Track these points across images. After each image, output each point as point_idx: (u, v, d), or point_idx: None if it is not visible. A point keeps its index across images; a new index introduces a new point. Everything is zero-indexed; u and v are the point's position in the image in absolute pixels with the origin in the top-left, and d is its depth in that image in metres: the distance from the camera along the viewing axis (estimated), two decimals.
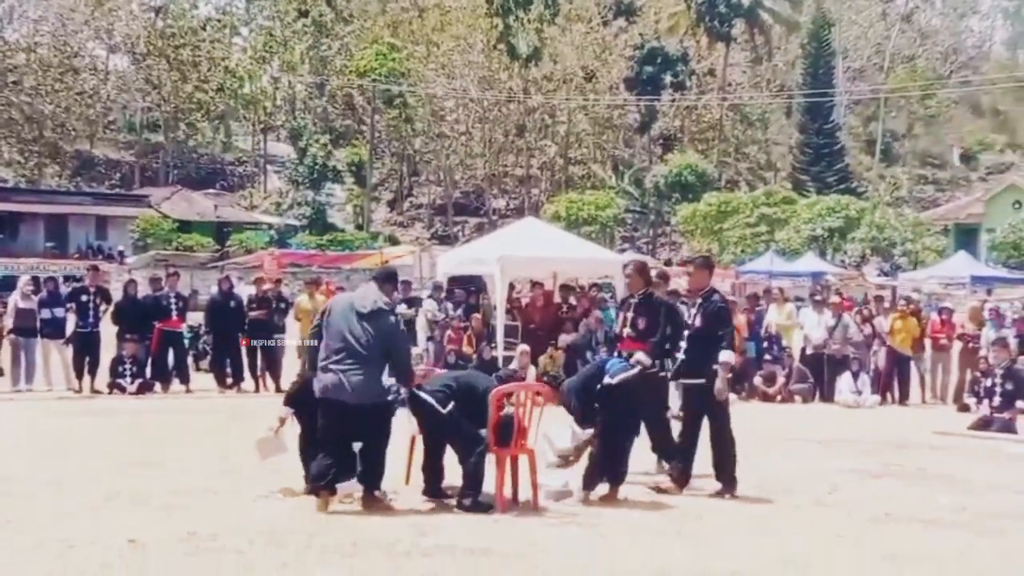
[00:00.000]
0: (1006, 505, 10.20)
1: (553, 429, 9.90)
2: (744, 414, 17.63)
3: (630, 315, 10.28)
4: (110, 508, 9.11)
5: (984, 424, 16.27)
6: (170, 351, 19.94)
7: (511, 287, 21.17)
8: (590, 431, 9.80)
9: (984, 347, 19.81)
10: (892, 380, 20.71)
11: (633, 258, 10.42)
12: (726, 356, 10.14)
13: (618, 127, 79.73)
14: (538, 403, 9.64)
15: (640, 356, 9.92)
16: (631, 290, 10.55)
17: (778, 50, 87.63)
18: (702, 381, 10.18)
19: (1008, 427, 16.12)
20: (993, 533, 8.89)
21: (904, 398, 20.56)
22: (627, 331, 10.22)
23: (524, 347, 18.77)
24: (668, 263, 62.37)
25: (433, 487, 9.61)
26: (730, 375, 10.72)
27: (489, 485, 9.22)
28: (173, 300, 20.19)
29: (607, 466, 9.81)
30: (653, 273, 11.30)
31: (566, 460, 9.85)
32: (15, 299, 19.83)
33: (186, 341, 21.04)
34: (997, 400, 16.63)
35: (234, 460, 11.59)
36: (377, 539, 8.04)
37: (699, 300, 10.55)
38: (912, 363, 20.95)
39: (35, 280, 21.16)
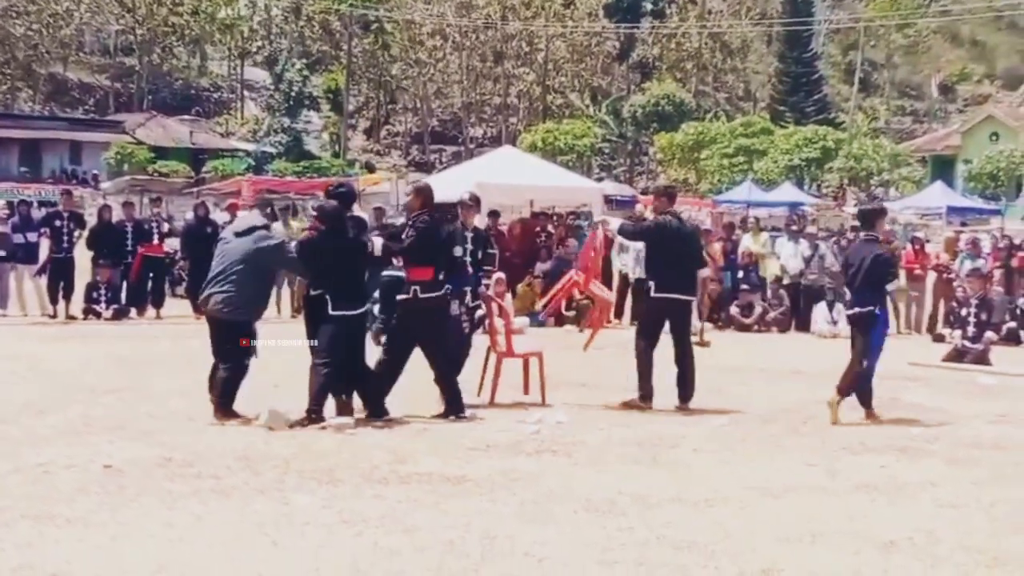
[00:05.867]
0: (978, 435, 10.28)
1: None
2: (720, 343, 17.71)
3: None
4: (86, 433, 9.11)
5: (958, 355, 16.35)
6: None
7: (494, 215, 21.07)
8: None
9: (957, 277, 19.91)
10: None
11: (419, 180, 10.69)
12: None
13: (596, 55, 79.11)
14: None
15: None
16: (409, 211, 10.52)
17: None
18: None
19: (981, 358, 16.22)
20: (965, 463, 8.96)
21: None
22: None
23: (499, 275, 18.76)
24: (644, 192, 62.37)
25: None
26: None
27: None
28: (155, 225, 20.11)
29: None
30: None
31: None
32: None
33: None
34: (971, 330, 16.71)
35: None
36: (354, 466, 8.07)
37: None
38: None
39: (9, 204, 21.01)
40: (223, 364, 9.70)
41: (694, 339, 11.61)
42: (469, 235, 11.23)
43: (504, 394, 11.16)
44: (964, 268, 19.84)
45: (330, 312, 9.59)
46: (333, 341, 9.58)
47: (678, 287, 11.11)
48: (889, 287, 11.07)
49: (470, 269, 11.08)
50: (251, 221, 10.04)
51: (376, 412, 9.82)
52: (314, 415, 9.53)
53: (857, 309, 10.88)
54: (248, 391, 9.98)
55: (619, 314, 19.71)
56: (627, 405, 10.95)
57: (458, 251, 10.86)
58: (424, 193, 10.46)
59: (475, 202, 11.56)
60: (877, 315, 10.80)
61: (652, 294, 11.10)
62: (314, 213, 10.62)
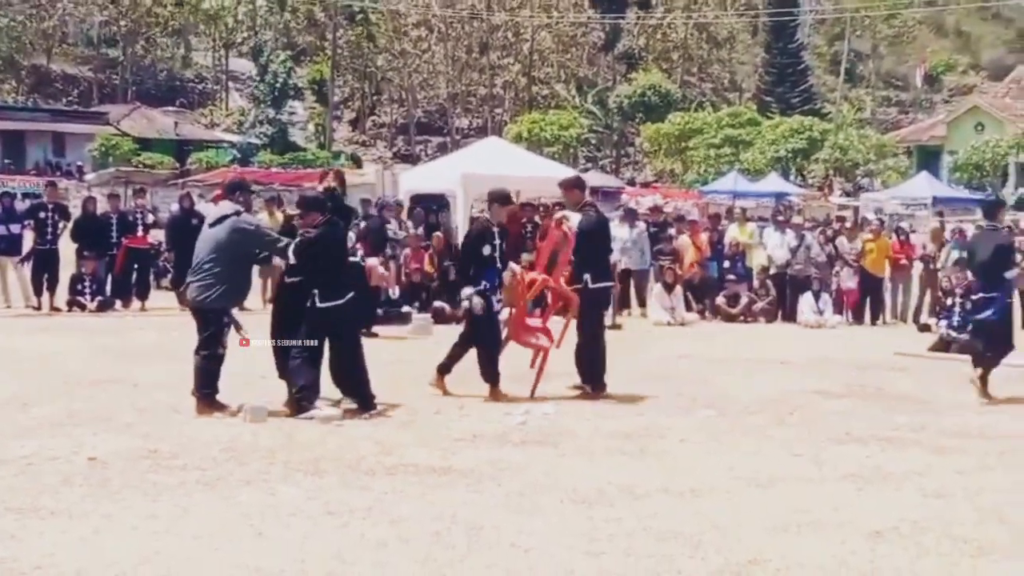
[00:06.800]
0: (964, 425, 10.30)
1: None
2: (706, 334, 17.74)
3: None
4: (71, 425, 9.06)
5: (944, 345, 16.37)
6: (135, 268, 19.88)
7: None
8: None
9: (943, 267, 19.96)
10: (864, 302, 20.82)
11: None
12: None
13: (582, 45, 79.06)
14: None
15: None
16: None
17: None
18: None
19: (967, 348, 16.23)
20: (950, 452, 8.97)
21: (875, 319, 20.70)
22: None
23: (514, 266, 18.72)
24: (631, 183, 62.41)
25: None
26: None
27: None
28: (140, 217, 20.07)
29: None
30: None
31: None
32: None
33: None
34: (956, 320, 16.73)
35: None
36: (340, 457, 8.05)
37: None
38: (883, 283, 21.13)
39: None
40: (199, 352, 9.71)
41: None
42: (496, 231, 11.17)
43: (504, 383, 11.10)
44: (950, 258, 19.87)
45: (317, 304, 9.59)
46: (313, 332, 9.66)
47: (607, 275, 11.86)
48: (1008, 274, 11.74)
49: (499, 266, 11.06)
50: (223, 210, 10.06)
51: (364, 404, 9.79)
52: (303, 400, 9.63)
53: (981, 295, 12.08)
54: (234, 381, 9.96)
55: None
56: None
57: (487, 249, 10.86)
58: (344, 181, 11.04)
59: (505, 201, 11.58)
60: (998, 299, 11.77)
61: (591, 286, 11.20)
62: (297, 211, 10.67)
